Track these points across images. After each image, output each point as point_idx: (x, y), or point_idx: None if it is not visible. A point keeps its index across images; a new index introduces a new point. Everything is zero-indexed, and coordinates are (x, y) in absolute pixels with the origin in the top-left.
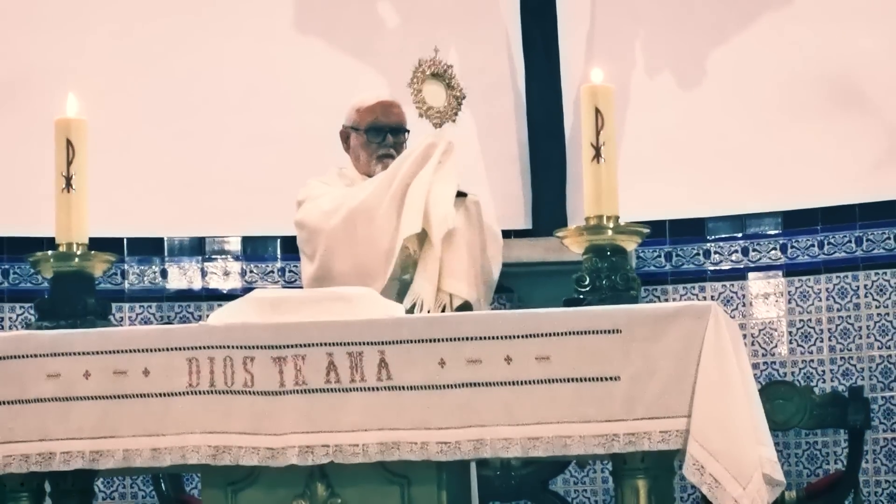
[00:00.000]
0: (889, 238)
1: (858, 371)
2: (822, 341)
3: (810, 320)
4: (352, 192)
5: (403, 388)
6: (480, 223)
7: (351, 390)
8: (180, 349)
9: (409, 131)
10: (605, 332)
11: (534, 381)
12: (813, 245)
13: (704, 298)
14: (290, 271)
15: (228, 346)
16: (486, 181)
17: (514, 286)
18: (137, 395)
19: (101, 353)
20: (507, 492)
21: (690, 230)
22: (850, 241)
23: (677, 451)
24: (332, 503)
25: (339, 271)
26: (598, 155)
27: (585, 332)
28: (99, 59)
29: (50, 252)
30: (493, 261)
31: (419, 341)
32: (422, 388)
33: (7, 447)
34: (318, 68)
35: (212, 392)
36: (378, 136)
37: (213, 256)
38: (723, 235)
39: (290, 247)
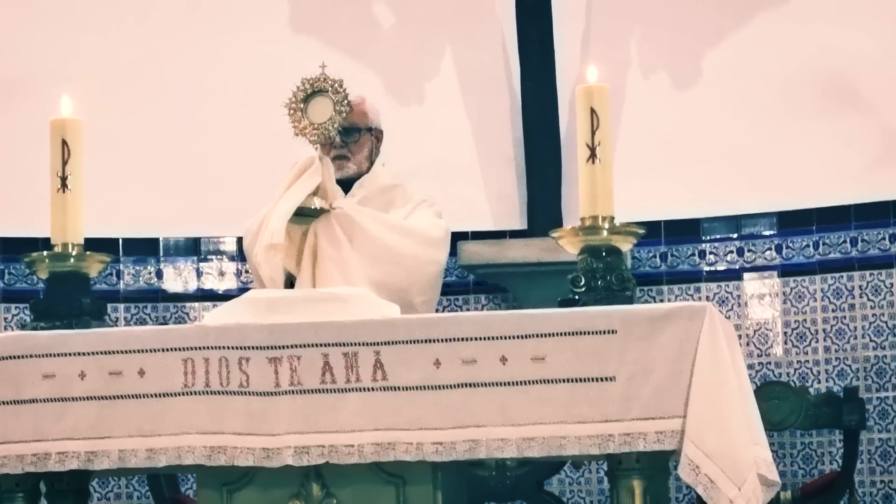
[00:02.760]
0: (884, 238)
1: (853, 371)
2: (817, 342)
3: (805, 321)
4: (264, 210)
5: (399, 388)
6: (361, 233)
7: (346, 391)
8: (176, 350)
9: (372, 129)
10: (600, 332)
11: (529, 382)
12: (808, 245)
13: (700, 299)
14: None
15: (224, 347)
16: (480, 181)
17: (510, 286)
18: (133, 396)
19: (97, 353)
20: (503, 492)
21: (686, 231)
22: (845, 242)
23: (672, 452)
24: (327, 503)
25: (258, 287)
26: (593, 155)
27: (581, 333)
28: (94, 60)
29: (45, 252)
30: (417, 263)
31: (414, 342)
32: (417, 388)
33: (2, 447)
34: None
35: (207, 392)
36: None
37: (209, 257)
38: (718, 236)
39: None
